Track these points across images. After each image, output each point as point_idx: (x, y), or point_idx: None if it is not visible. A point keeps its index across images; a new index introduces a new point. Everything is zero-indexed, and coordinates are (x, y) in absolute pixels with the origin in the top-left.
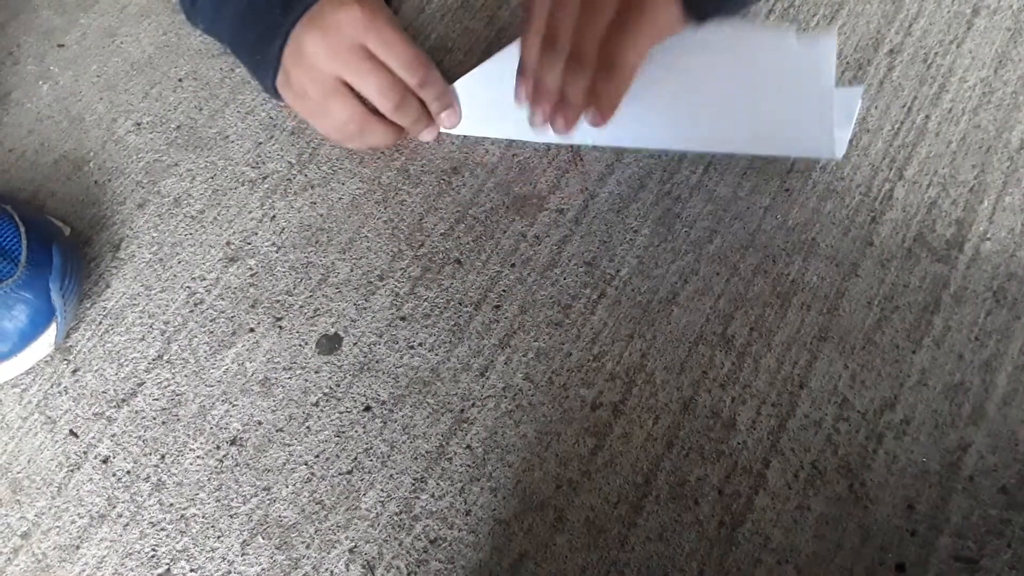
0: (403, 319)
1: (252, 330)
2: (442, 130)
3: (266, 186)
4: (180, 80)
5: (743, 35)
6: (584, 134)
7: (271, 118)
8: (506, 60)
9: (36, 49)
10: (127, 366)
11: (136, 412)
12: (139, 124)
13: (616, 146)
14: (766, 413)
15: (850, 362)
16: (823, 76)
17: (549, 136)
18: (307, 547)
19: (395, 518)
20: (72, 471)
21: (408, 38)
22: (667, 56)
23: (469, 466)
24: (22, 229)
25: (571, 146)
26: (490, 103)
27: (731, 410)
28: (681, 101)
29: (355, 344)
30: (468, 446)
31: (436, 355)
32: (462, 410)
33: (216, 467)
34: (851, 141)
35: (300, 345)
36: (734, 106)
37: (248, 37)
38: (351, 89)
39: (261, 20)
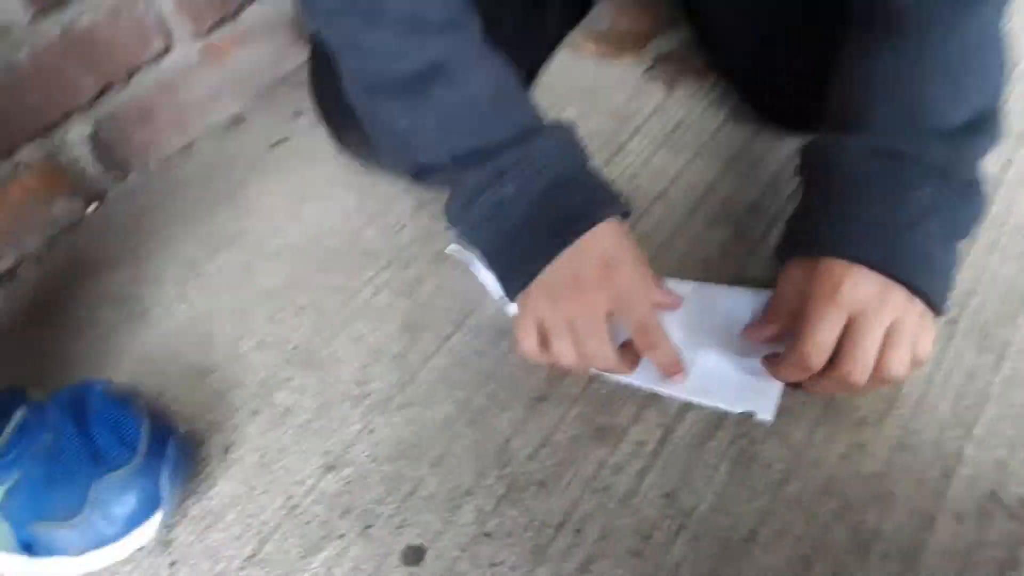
0: (486, 535)
1: (342, 536)
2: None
3: (367, 403)
4: (302, 308)
5: (732, 314)
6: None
7: (378, 344)
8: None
9: (178, 275)
10: (221, 563)
11: None
12: (261, 343)
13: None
14: None
15: None
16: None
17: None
18: None
19: None
20: None
21: (646, 301)
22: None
23: None
24: (145, 422)
25: None
26: None
27: None
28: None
29: (438, 557)
30: None
31: (517, 574)
32: None
33: None
34: (917, 399)
35: (385, 554)
36: (708, 364)
37: (510, 255)
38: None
39: (526, 245)
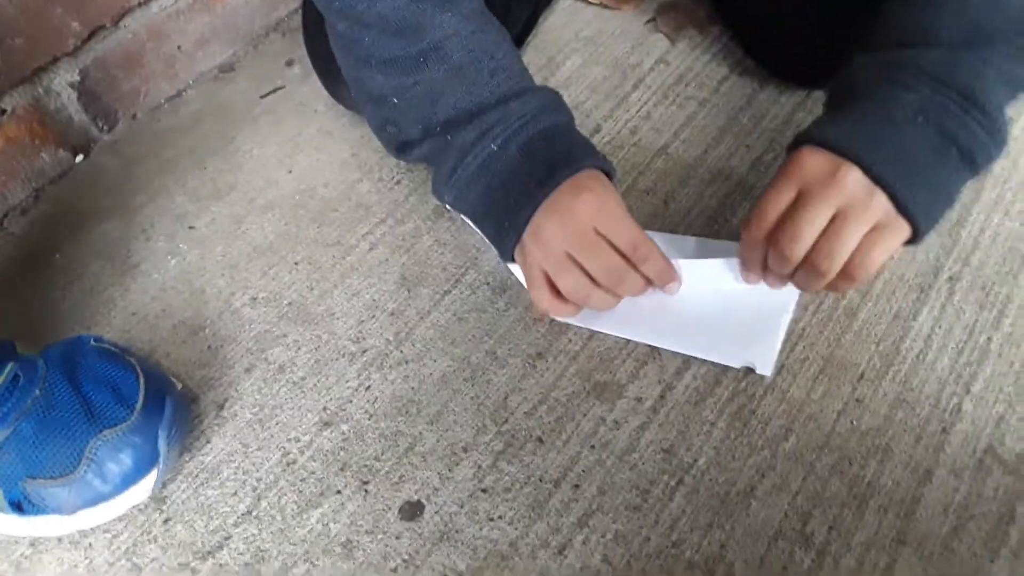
0: (484, 491)
1: (339, 492)
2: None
3: (364, 359)
4: (296, 263)
5: (730, 267)
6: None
7: (374, 300)
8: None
9: (168, 229)
10: (216, 519)
11: (220, 566)
12: (255, 299)
13: (612, 335)
14: None
15: (929, 568)
16: (786, 305)
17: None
18: None
19: None
20: None
21: (632, 222)
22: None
23: None
24: (141, 379)
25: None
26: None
27: None
28: (660, 306)
29: (436, 512)
30: None
31: (515, 529)
32: None
33: None
34: (916, 354)
35: (384, 510)
36: (708, 318)
37: (498, 210)
38: (579, 264)
39: (514, 195)
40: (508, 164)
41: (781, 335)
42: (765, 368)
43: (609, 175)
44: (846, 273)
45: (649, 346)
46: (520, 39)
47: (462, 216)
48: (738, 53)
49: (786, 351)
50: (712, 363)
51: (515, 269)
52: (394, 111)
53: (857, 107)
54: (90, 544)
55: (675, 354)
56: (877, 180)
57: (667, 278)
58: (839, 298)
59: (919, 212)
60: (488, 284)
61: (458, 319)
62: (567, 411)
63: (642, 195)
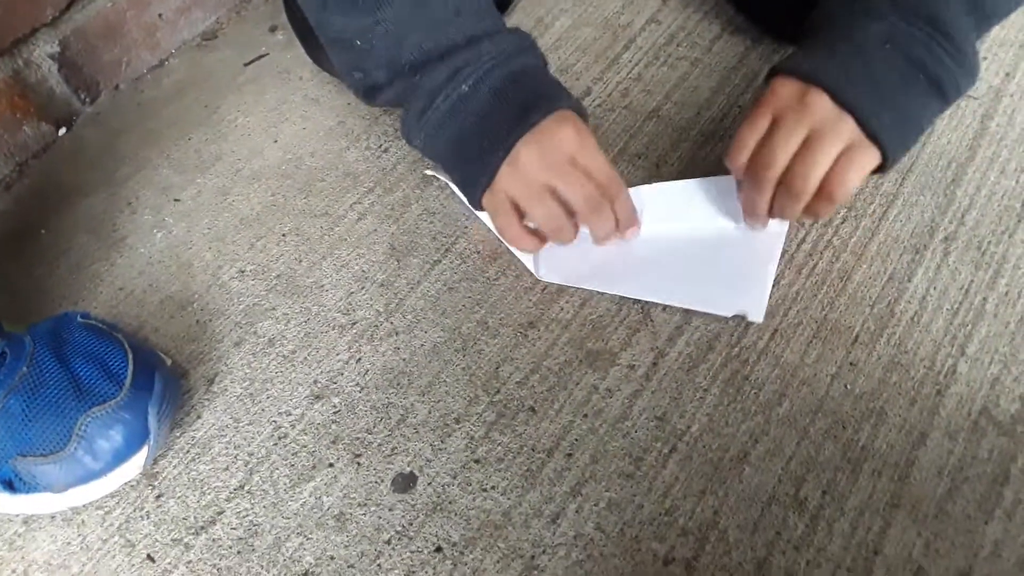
0: (477, 462)
1: (331, 465)
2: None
3: (354, 331)
4: (284, 235)
5: (713, 207)
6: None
7: (363, 271)
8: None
9: (154, 202)
10: (209, 494)
11: (214, 540)
12: (243, 272)
13: (601, 291)
14: None
15: (923, 530)
16: (772, 252)
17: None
18: None
19: None
20: None
21: (607, 160)
22: (647, 220)
23: None
24: (130, 355)
25: (641, 308)
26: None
27: (806, 573)
28: (650, 260)
29: (429, 484)
30: None
31: (508, 499)
32: (532, 556)
33: None
34: (911, 316)
35: (376, 482)
36: (697, 270)
37: (469, 152)
38: (553, 195)
39: (487, 136)
40: (480, 106)
41: (769, 282)
42: (757, 315)
43: (583, 118)
44: (823, 193)
45: (641, 313)
46: (508, 1)
47: (441, 178)
48: (730, 11)
49: (779, 315)
50: (705, 329)
51: (484, 216)
52: (358, 55)
53: (827, 37)
54: (83, 521)
55: (667, 320)
56: (844, 104)
57: (631, 221)
58: (833, 260)
59: (886, 136)
60: (478, 253)
61: (448, 289)
62: (559, 380)
63: (633, 159)
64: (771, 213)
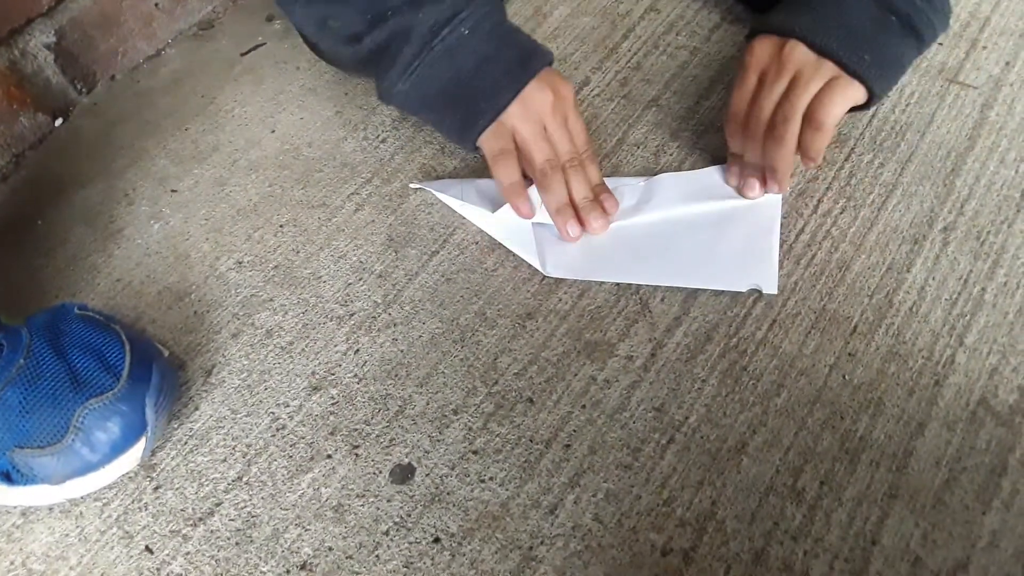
0: (475, 453)
1: (329, 456)
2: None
3: (352, 322)
4: (281, 226)
5: (706, 193)
6: (581, 271)
7: (361, 262)
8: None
9: (151, 193)
10: (207, 486)
11: (212, 532)
12: (240, 263)
13: (612, 280)
14: (839, 568)
15: (921, 521)
16: (772, 224)
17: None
18: None
19: None
20: None
21: (582, 126)
22: (645, 210)
23: None
24: (127, 347)
25: (640, 299)
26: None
27: (804, 564)
28: (655, 245)
29: (427, 475)
30: None
31: (506, 490)
32: (531, 547)
33: None
34: (909, 307)
35: (374, 473)
36: (704, 249)
37: (470, 92)
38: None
39: (490, 77)
40: (481, 47)
41: (775, 253)
42: (771, 287)
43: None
44: (809, 122)
45: (639, 304)
46: None
47: (430, 186)
48: (729, 0)
49: (778, 306)
50: (703, 319)
51: (476, 218)
52: (333, 4)
53: None
54: (81, 513)
55: (666, 311)
56: (821, 51)
57: (603, 188)
58: (831, 251)
59: (868, 72)
60: (476, 244)
61: (446, 280)
62: (557, 371)
63: (632, 148)
64: (765, 162)
